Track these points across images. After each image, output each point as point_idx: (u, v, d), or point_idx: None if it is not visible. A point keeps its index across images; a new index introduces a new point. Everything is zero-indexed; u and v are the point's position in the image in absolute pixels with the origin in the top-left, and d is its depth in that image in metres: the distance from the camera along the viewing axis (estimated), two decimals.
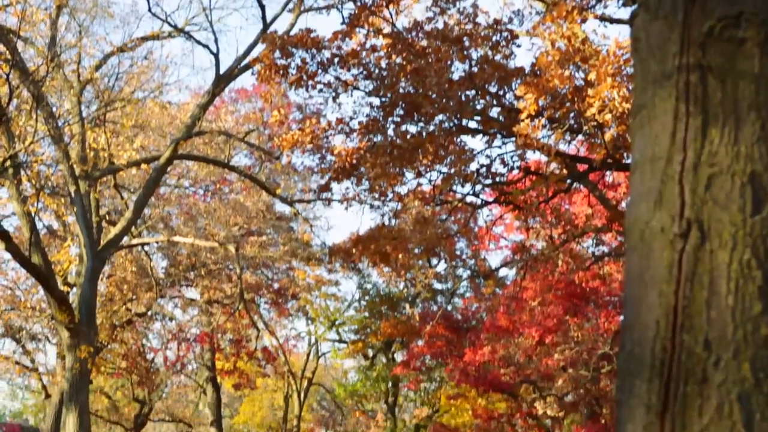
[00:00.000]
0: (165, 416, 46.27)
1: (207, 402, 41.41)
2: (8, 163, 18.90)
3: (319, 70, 17.46)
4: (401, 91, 17.13)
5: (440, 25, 17.25)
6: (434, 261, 38.50)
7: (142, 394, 37.49)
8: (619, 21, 16.59)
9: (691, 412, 1.92)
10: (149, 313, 33.49)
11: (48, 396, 31.89)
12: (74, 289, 23.35)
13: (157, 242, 30.23)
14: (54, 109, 22.45)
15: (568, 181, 18.72)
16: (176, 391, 47.59)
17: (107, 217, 26.76)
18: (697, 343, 1.94)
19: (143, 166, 23.73)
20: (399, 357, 41.15)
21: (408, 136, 17.17)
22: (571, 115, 16.10)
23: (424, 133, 17.18)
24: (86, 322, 21.00)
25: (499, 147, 18.22)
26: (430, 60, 16.58)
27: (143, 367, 34.76)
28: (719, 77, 2.08)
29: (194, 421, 46.86)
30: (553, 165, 17.98)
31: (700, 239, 2.00)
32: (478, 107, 17.42)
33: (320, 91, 17.80)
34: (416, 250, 23.50)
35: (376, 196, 19.32)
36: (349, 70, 17.60)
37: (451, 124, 17.31)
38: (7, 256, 24.45)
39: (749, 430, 1.87)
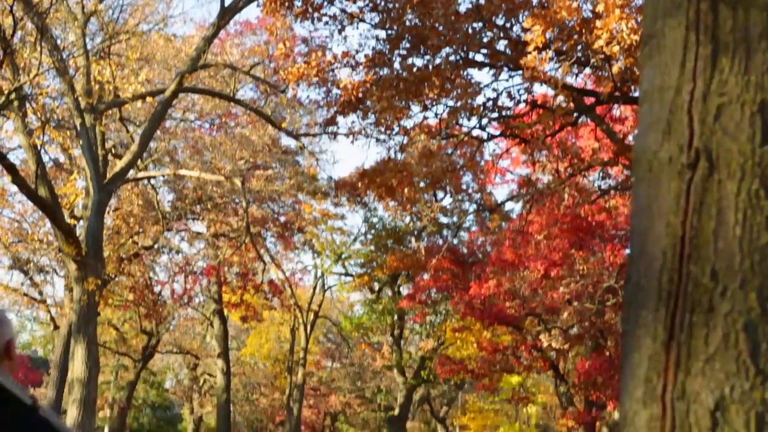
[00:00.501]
0: (172, 348, 46.73)
1: (214, 334, 41.78)
2: (13, 95, 18.85)
3: (325, 2, 17.31)
4: (407, 23, 16.99)
5: None
6: (440, 195, 38.55)
7: (150, 326, 37.79)
8: None
9: (696, 341, 1.92)
10: (156, 246, 33.62)
11: (56, 328, 32.16)
12: (81, 222, 23.39)
13: (163, 176, 30.24)
14: (58, 41, 22.30)
15: (575, 114, 18.64)
16: (183, 323, 48.01)
17: (113, 151, 26.73)
18: (704, 273, 1.94)
19: (148, 99, 23.62)
20: (405, 290, 41.35)
21: (414, 69, 17.07)
22: (579, 47, 15.97)
23: (430, 66, 17.07)
24: (93, 255, 21.07)
25: (506, 80, 18.19)
26: None
27: (150, 299, 34.98)
28: (730, 5, 2.06)
29: (201, 353, 47.33)
30: (560, 98, 17.88)
31: (708, 169, 1.99)
32: (485, 40, 17.27)
33: (326, 23, 17.68)
34: (422, 184, 23.49)
35: (382, 129, 19.25)
36: (354, 2, 17.44)
37: (458, 57, 17.18)
38: (14, 188, 24.49)
39: (755, 359, 1.88)
